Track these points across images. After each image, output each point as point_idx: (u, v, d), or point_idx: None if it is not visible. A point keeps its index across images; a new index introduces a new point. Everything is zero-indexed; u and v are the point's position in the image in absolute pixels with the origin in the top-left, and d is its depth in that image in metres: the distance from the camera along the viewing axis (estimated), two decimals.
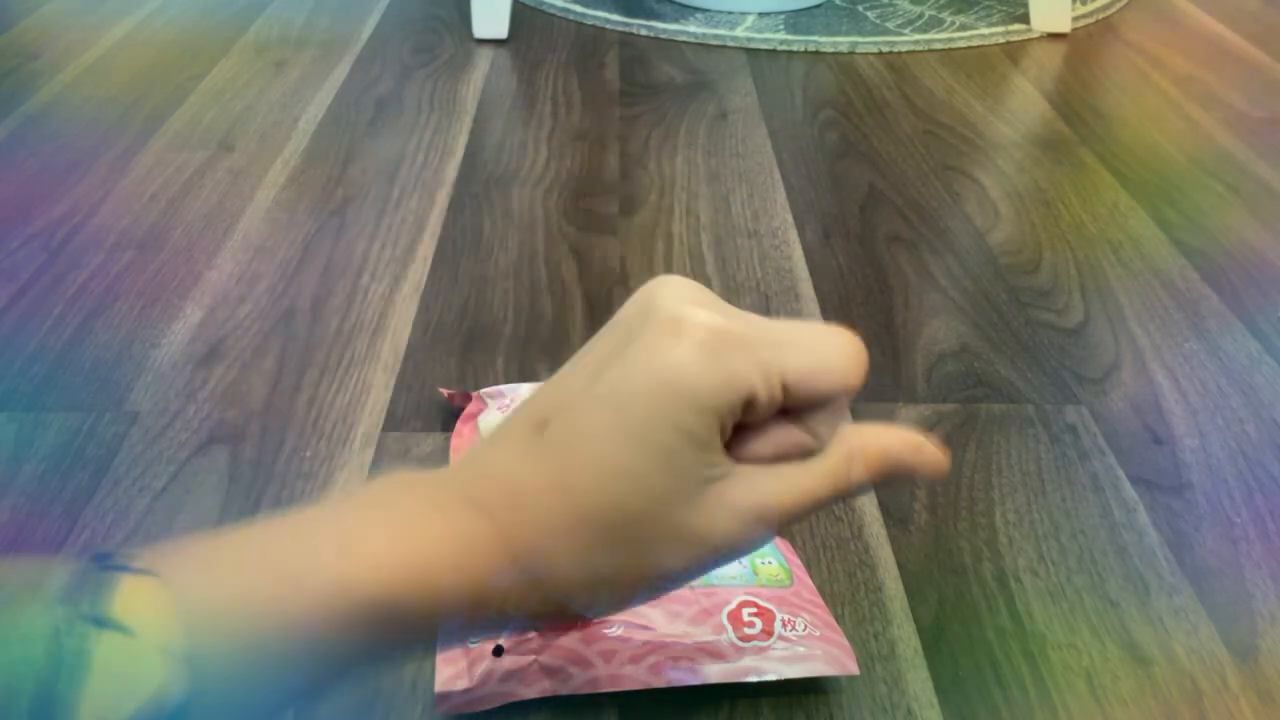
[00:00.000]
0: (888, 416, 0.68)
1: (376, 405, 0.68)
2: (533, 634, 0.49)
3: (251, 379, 0.70)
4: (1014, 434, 0.67)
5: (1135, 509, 0.62)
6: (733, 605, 0.50)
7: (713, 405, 0.32)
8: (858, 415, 0.68)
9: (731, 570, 0.52)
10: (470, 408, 0.66)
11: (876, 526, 0.60)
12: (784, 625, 0.50)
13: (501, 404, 0.65)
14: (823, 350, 0.35)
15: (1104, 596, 0.56)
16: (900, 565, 0.58)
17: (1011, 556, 0.58)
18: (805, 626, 0.50)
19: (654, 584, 0.35)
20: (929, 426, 0.68)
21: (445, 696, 0.48)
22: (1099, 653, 0.53)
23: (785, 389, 0.34)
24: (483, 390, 0.67)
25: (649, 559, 0.34)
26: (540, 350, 0.74)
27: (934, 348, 0.75)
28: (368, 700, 0.50)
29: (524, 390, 0.66)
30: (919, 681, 0.52)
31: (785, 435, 0.35)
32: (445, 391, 0.68)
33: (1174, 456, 0.66)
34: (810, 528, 0.60)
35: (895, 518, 0.61)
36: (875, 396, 0.70)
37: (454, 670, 0.49)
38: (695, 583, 0.51)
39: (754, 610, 0.50)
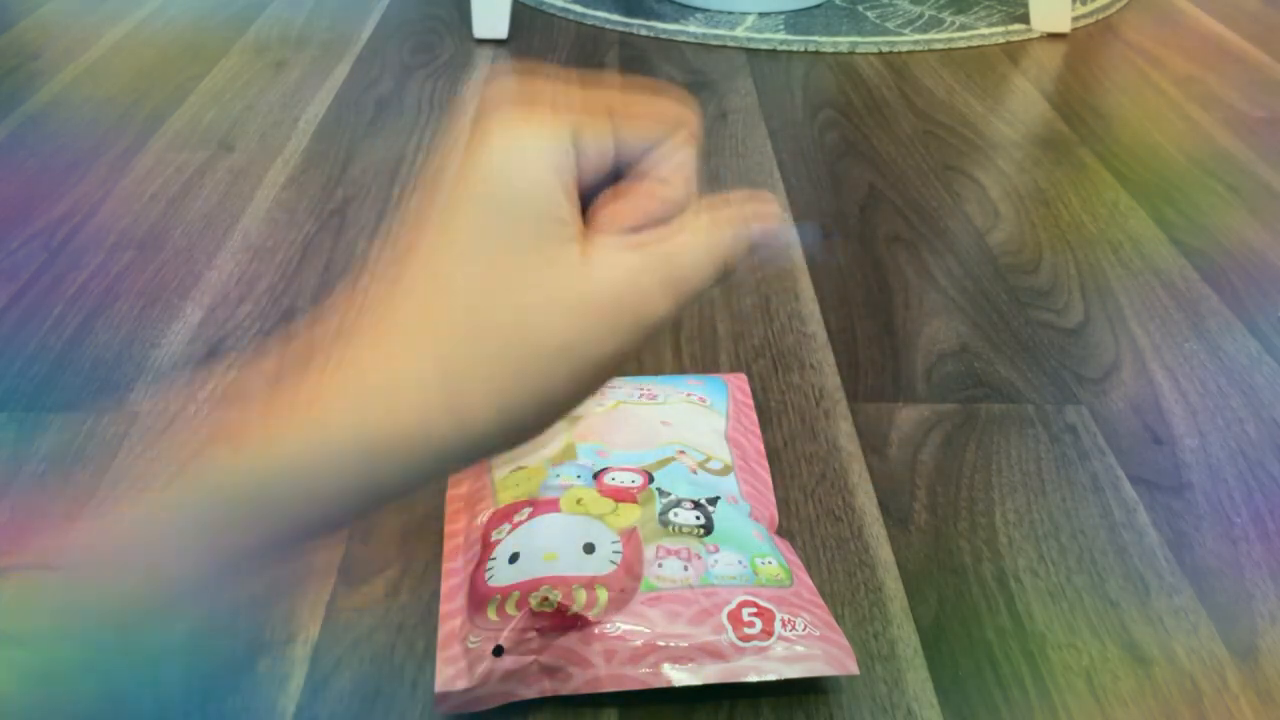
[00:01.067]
0: (888, 416, 0.68)
1: None
2: (533, 634, 0.49)
3: (251, 379, 0.70)
4: (1014, 434, 0.67)
5: (1135, 509, 0.62)
6: (732, 605, 0.50)
7: (531, 160, 0.32)
8: (858, 415, 0.68)
9: (731, 570, 0.52)
10: None
11: (876, 526, 0.60)
12: (784, 625, 0.50)
13: None
14: (646, 97, 0.35)
15: (1104, 596, 0.56)
16: (900, 565, 0.58)
17: (1011, 556, 0.58)
18: (805, 626, 0.50)
19: (559, 367, 0.33)
20: (929, 427, 0.68)
21: (445, 696, 0.48)
22: (1099, 653, 0.53)
23: (616, 136, 0.34)
24: None
25: (538, 336, 0.32)
26: None
27: (934, 348, 0.75)
28: (368, 699, 0.50)
29: None
30: (919, 681, 0.52)
31: (639, 190, 0.34)
32: None
33: (1174, 456, 0.66)
34: (810, 528, 0.60)
35: (895, 518, 0.61)
36: (875, 396, 0.70)
37: (454, 670, 0.49)
38: (695, 583, 0.51)
39: (754, 610, 0.50)
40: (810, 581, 0.54)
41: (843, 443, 0.66)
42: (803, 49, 1.26)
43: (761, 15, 1.33)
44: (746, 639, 0.49)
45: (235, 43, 1.24)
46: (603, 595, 0.50)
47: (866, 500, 0.62)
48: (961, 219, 0.91)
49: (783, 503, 0.61)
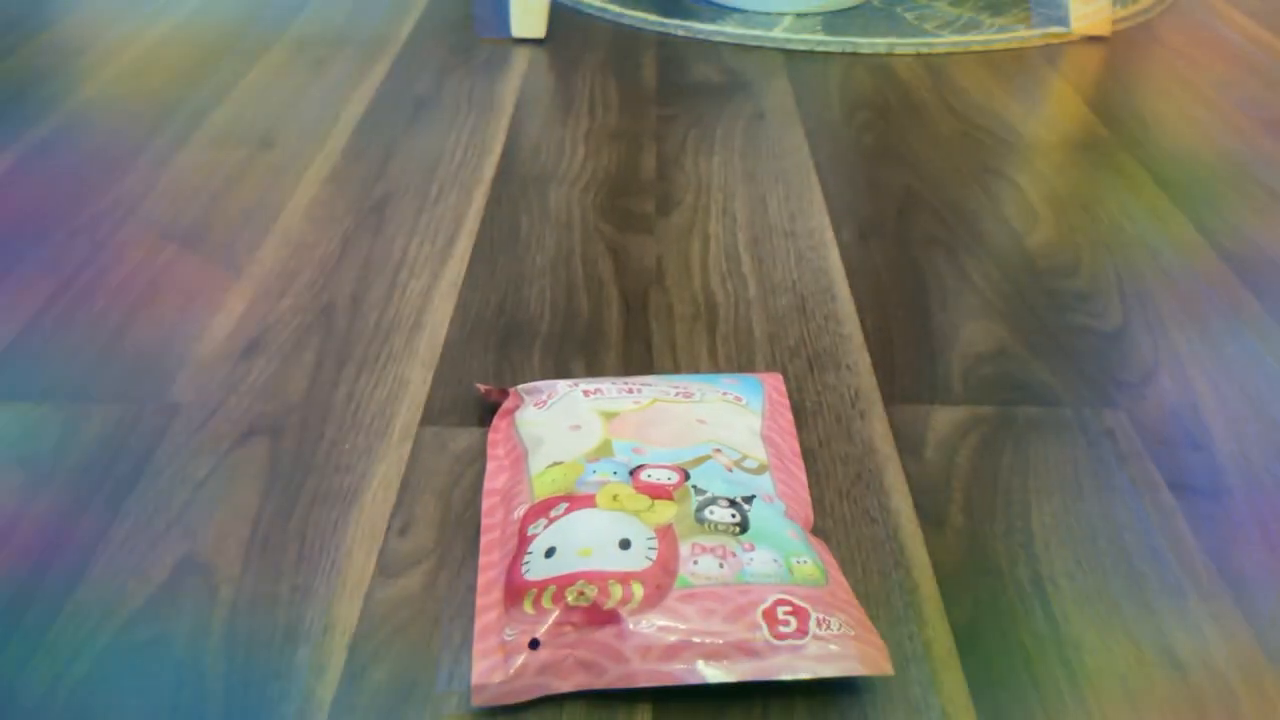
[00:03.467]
0: (924, 418, 0.68)
1: (414, 400, 0.69)
2: (569, 628, 0.49)
3: (291, 372, 0.71)
4: (1051, 437, 0.67)
5: (1173, 514, 0.62)
6: (767, 603, 0.50)
7: None
8: (894, 416, 0.68)
9: (766, 568, 0.52)
10: (507, 403, 0.66)
11: (912, 528, 0.60)
12: (819, 624, 0.50)
13: (538, 400, 0.65)
14: None
15: (1141, 601, 0.56)
16: (935, 567, 0.58)
17: (1048, 560, 0.58)
18: (840, 625, 0.50)
19: None
20: (965, 429, 0.67)
21: (482, 688, 0.48)
22: (1135, 657, 0.53)
23: None
24: (519, 386, 0.67)
25: None
26: (576, 347, 0.74)
27: (971, 350, 0.75)
28: (404, 690, 0.50)
29: (560, 386, 0.66)
30: (953, 683, 0.51)
31: None
32: (482, 388, 0.68)
33: (1212, 462, 0.65)
34: (845, 528, 0.60)
35: (931, 519, 0.61)
36: (911, 398, 0.70)
37: (490, 663, 0.49)
38: (730, 580, 0.51)
39: (789, 608, 0.50)
40: (845, 582, 0.54)
41: (878, 444, 0.66)
42: (840, 50, 1.26)
43: (799, 16, 1.33)
44: (781, 637, 0.49)
45: (276, 40, 1.25)
46: (638, 591, 0.50)
47: (902, 502, 0.62)
48: (999, 221, 0.91)
49: (818, 503, 0.61)
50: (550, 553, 0.52)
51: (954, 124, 1.08)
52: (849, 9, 1.36)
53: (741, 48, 1.27)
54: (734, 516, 0.54)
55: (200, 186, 0.94)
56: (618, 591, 0.50)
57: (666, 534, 0.53)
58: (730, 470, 0.59)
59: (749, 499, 0.56)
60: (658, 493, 0.56)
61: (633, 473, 0.57)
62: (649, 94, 1.14)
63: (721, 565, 0.52)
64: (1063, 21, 1.32)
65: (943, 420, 0.68)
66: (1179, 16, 1.38)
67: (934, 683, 0.51)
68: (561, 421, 0.63)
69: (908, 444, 0.66)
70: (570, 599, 0.49)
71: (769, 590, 0.51)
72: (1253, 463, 0.65)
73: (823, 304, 0.79)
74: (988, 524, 0.60)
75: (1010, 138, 1.05)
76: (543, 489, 0.58)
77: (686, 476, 0.57)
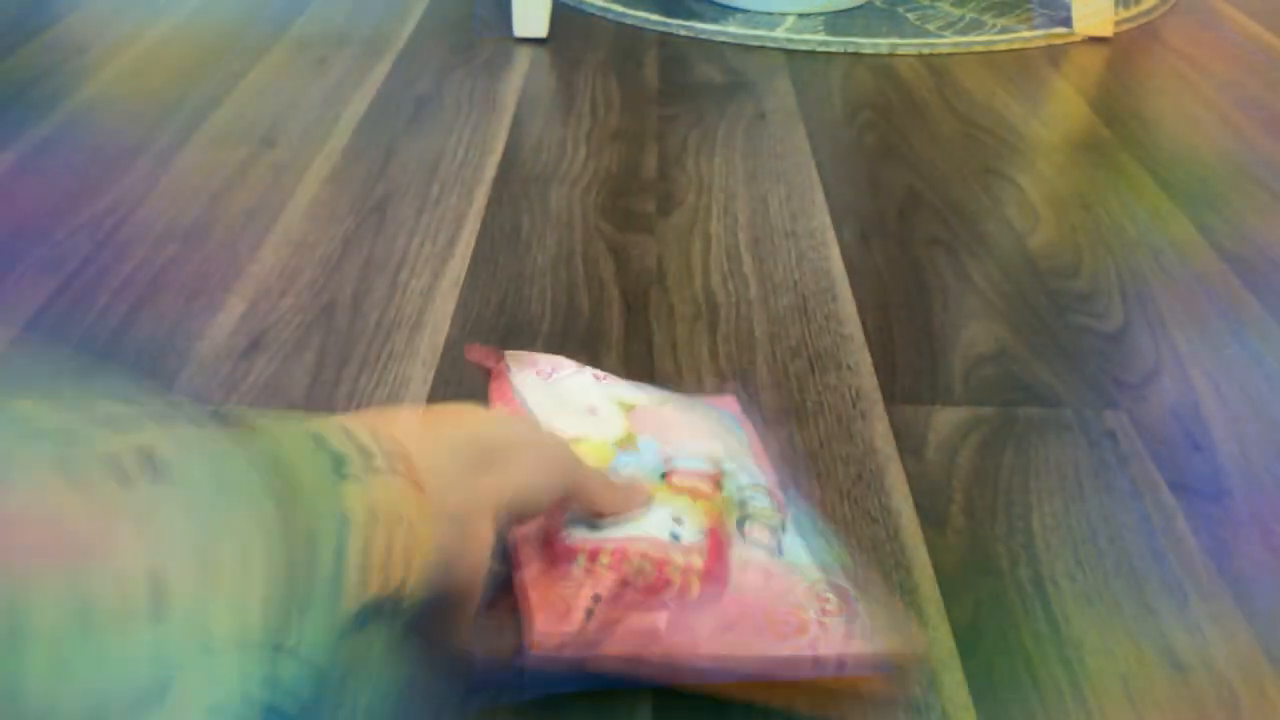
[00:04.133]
0: (925, 419, 0.68)
1: (415, 398, 0.69)
2: (630, 591, 0.48)
3: (292, 371, 0.71)
4: (1052, 438, 0.67)
5: (1174, 515, 0.62)
6: (811, 581, 0.50)
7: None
8: (895, 417, 0.68)
9: (805, 552, 0.52)
10: (497, 366, 0.64)
11: (913, 528, 0.60)
12: (857, 601, 0.50)
13: (539, 369, 0.63)
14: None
15: (1141, 602, 0.56)
16: (936, 567, 0.58)
17: (1049, 560, 0.58)
18: (871, 606, 0.51)
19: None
20: (966, 429, 0.67)
21: (544, 639, 0.47)
22: (1136, 658, 0.53)
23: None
24: (510, 353, 0.65)
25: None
26: (577, 347, 0.74)
27: (972, 350, 0.75)
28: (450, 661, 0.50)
29: (565, 363, 0.64)
30: (954, 684, 0.51)
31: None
32: (473, 352, 0.65)
33: (1213, 463, 0.65)
34: (846, 529, 0.60)
35: (932, 520, 0.61)
36: (912, 399, 0.70)
37: (552, 614, 0.48)
38: (778, 556, 0.52)
39: (830, 588, 0.50)
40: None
41: (879, 444, 0.66)
42: (842, 50, 1.26)
43: (801, 16, 1.33)
44: (827, 614, 0.49)
45: (277, 40, 1.25)
46: (694, 585, 0.49)
47: (903, 502, 0.62)
48: (1001, 222, 0.91)
49: (819, 504, 0.61)
50: (593, 525, 0.51)
51: (956, 124, 1.08)
52: (851, 9, 1.36)
53: (744, 48, 1.27)
54: (773, 504, 0.54)
55: (201, 186, 0.94)
56: (676, 578, 0.49)
57: (715, 534, 0.51)
58: (751, 471, 0.58)
59: (782, 486, 0.57)
60: (697, 492, 0.54)
61: (665, 476, 0.55)
62: (651, 94, 1.14)
63: (769, 554, 0.51)
64: (1065, 22, 1.32)
65: (944, 421, 0.68)
66: (1181, 17, 1.38)
67: (935, 683, 0.51)
68: (576, 400, 0.61)
69: (909, 444, 0.66)
70: (630, 569, 0.49)
71: (811, 570, 0.51)
72: (1253, 463, 0.65)
73: (824, 304, 0.79)
74: (989, 524, 0.60)
75: (1012, 138, 1.05)
76: None
77: (721, 471, 0.56)
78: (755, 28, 1.29)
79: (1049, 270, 0.84)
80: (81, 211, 0.89)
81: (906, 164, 1.00)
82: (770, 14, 1.34)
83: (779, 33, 1.28)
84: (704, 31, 1.29)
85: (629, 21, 1.33)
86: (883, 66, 1.22)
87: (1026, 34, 1.29)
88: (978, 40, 1.28)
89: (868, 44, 1.26)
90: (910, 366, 0.73)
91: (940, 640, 0.54)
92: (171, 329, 0.75)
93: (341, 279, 0.81)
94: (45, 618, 0.24)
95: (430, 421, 0.44)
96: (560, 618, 0.47)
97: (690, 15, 1.33)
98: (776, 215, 0.91)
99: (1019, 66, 1.23)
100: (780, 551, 0.52)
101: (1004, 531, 0.60)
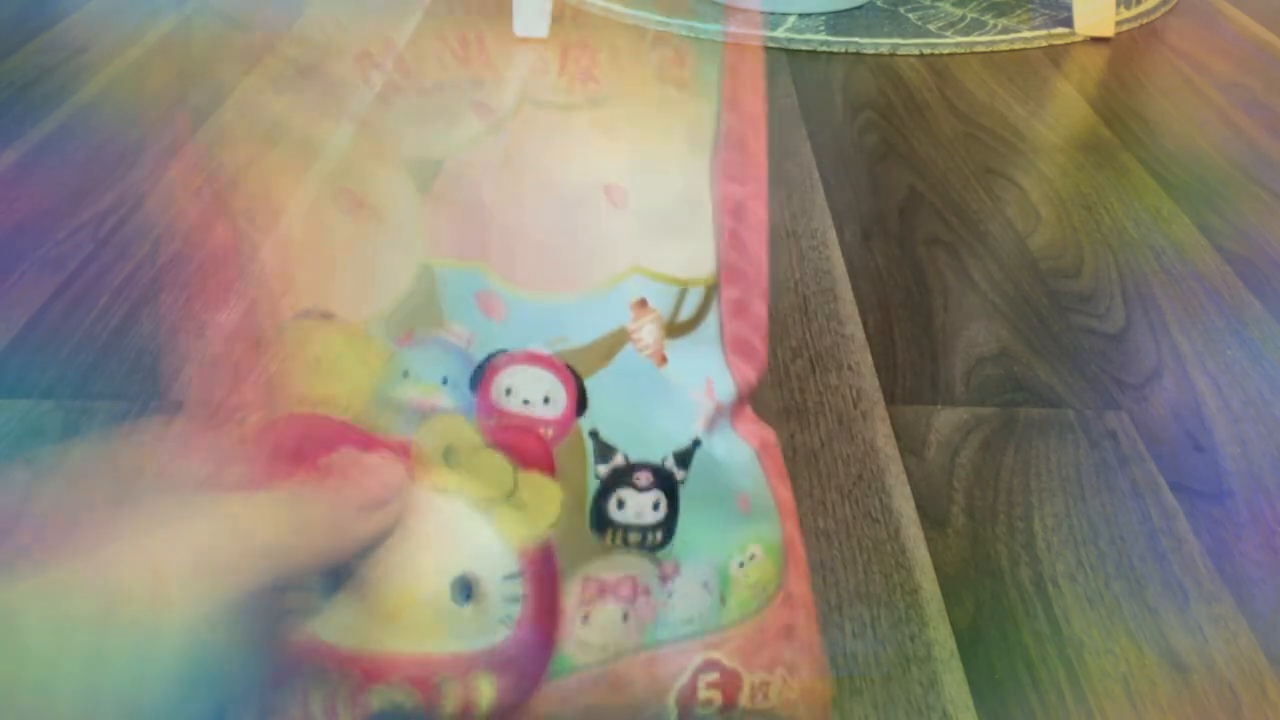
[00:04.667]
0: (926, 419, 0.68)
1: None
2: None
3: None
4: (1053, 439, 0.67)
5: (1175, 516, 0.61)
6: (685, 677, 0.33)
7: None
8: (895, 417, 0.68)
9: (692, 605, 0.33)
10: None
11: (914, 529, 0.60)
12: (754, 694, 0.34)
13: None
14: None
15: (1143, 603, 0.56)
16: (937, 568, 0.58)
17: (1050, 561, 0.58)
18: (781, 683, 0.35)
19: None
20: (967, 430, 0.67)
21: None
22: (1137, 659, 0.53)
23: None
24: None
25: None
26: None
27: (973, 351, 0.75)
28: None
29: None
30: (955, 684, 0.51)
31: None
32: None
33: (1215, 464, 0.65)
34: (847, 529, 0.60)
35: (932, 520, 0.61)
36: (913, 399, 0.70)
37: None
38: (636, 644, 0.32)
39: (714, 678, 0.33)
40: (805, 562, 0.37)
41: (880, 444, 0.66)
42: (843, 50, 1.26)
43: (802, 16, 1.33)
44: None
45: (277, 39, 1.25)
46: (486, 690, 0.29)
47: (904, 502, 0.62)
48: (1002, 222, 0.91)
49: (819, 503, 0.61)
50: (336, 581, 0.29)
51: (957, 125, 1.08)
52: (852, 9, 1.36)
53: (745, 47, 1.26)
54: (657, 510, 0.32)
55: (203, 184, 0.94)
56: (453, 695, 0.29)
57: (542, 562, 0.30)
58: (658, 358, 0.32)
59: (686, 456, 0.33)
60: (529, 452, 0.30)
61: (480, 382, 0.31)
62: None
63: (627, 617, 0.31)
64: (1066, 22, 1.32)
65: (945, 421, 0.68)
66: (1182, 18, 1.38)
67: (936, 684, 0.51)
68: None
69: (910, 445, 0.66)
70: (375, 708, 0.29)
71: (690, 652, 0.33)
72: (1255, 464, 0.65)
73: (825, 304, 0.79)
74: (990, 525, 0.60)
75: (1013, 138, 1.05)
76: (301, 394, 0.32)
77: (580, 400, 0.31)
78: (756, 27, 1.29)
79: (1050, 270, 0.84)
80: (82, 210, 0.89)
81: (907, 164, 1.00)
82: (771, 14, 1.34)
83: (780, 32, 1.28)
84: (704, 32, 1.29)
85: (631, 21, 1.33)
86: (884, 66, 1.22)
87: (1028, 34, 1.29)
88: (979, 40, 1.28)
89: (869, 44, 1.26)
90: (911, 367, 0.73)
91: (941, 641, 0.54)
92: (173, 328, 0.75)
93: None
94: None
95: None
96: None
97: (691, 15, 1.33)
98: (777, 215, 0.91)
99: (1020, 67, 1.22)
100: (655, 615, 0.32)
101: (1005, 532, 0.60)
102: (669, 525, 0.32)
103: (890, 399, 0.70)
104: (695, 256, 0.33)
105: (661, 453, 0.32)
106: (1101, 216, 0.92)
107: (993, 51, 1.27)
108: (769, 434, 0.36)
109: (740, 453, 0.35)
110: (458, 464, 0.30)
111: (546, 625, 0.30)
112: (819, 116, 1.09)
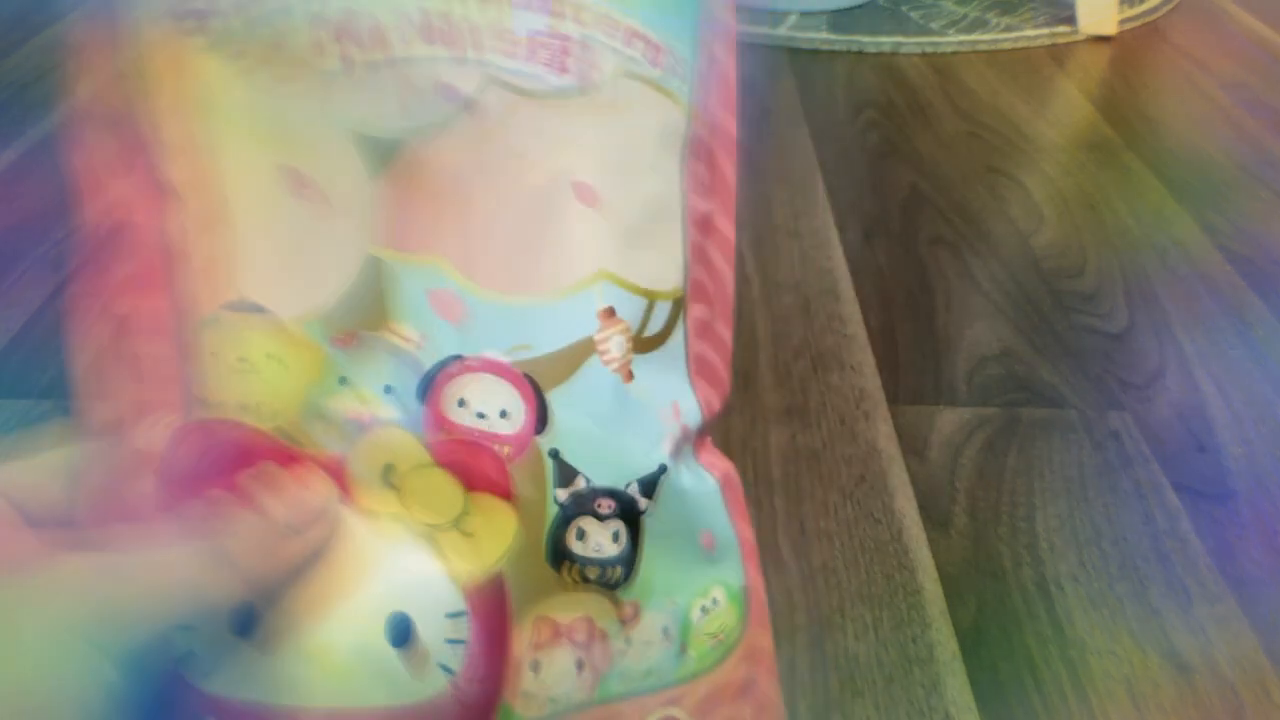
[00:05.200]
0: (928, 419, 0.68)
1: None
2: None
3: None
4: (1056, 439, 0.67)
5: (1179, 517, 0.61)
6: None
7: None
8: (898, 417, 0.68)
9: (651, 654, 0.30)
10: None
11: (916, 529, 0.60)
12: None
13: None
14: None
15: (1146, 604, 0.56)
16: (939, 569, 0.57)
17: (1052, 562, 0.58)
18: None
19: None
20: (970, 430, 0.67)
21: None
22: (1140, 660, 0.53)
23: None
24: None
25: None
26: None
27: (976, 351, 0.74)
28: None
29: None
30: (957, 685, 0.51)
31: None
32: None
33: (1218, 464, 0.65)
34: (849, 530, 0.60)
35: (935, 521, 0.60)
36: (915, 399, 0.70)
37: None
38: (588, 699, 0.29)
39: None
40: (765, 601, 0.35)
41: (882, 445, 0.66)
42: (845, 49, 1.26)
43: (804, 14, 1.33)
44: None
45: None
46: None
47: (906, 503, 0.62)
48: (1005, 221, 0.90)
49: (821, 504, 0.61)
50: (244, 623, 0.25)
51: (959, 123, 1.08)
52: (854, 8, 1.36)
53: (746, 46, 1.26)
54: (617, 542, 0.29)
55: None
56: None
57: (491, 599, 0.27)
58: (624, 373, 0.29)
59: (651, 482, 0.30)
60: (482, 475, 0.27)
61: (428, 392, 0.27)
62: None
63: (581, 666, 0.28)
64: (1069, 21, 1.31)
65: (947, 421, 0.68)
66: (1185, 16, 1.37)
67: (938, 685, 0.51)
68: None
69: (912, 445, 0.66)
70: None
71: (646, 709, 0.30)
72: (1258, 465, 0.65)
73: (827, 304, 0.79)
74: (992, 526, 0.60)
75: (1016, 137, 1.05)
76: (216, 403, 0.27)
77: (541, 416, 0.28)
78: (758, 25, 1.29)
79: (1053, 270, 0.84)
80: (82, 210, 0.89)
81: (909, 163, 1.00)
82: (773, 12, 1.33)
83: (781, 31, 1.28)
84: None
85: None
86: (886, 65, 1.22)
87: (1030, 32, 1.29)
88: (981, 39, 1.27)
89: (871, 42, 1.26)
90: (913, 367, 0.73)
91: (943, 642, 0.53)
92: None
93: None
94: None
95: None
96: None
97: None
98: (779, 214, 0.91)
99: (1023, 65, 1.22)
100: (611, 664, 0.29)
101: (1007, 533, 0.60)
102: (630, 560, 0.29)
103: (892, 399, 0.70)
104: (664, 267, 0.31)
105: (626, 478, 0.29)
106: (1104, 216, 0.92)
107: (995, 50, 1.27)
108: (730, 467, 0.33)
109: (705, 485, 0.32)
110: (399, 485, 0.26)
111: (492, 674, 0.26)
112: (821, 115, 1.09)
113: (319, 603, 0.24)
